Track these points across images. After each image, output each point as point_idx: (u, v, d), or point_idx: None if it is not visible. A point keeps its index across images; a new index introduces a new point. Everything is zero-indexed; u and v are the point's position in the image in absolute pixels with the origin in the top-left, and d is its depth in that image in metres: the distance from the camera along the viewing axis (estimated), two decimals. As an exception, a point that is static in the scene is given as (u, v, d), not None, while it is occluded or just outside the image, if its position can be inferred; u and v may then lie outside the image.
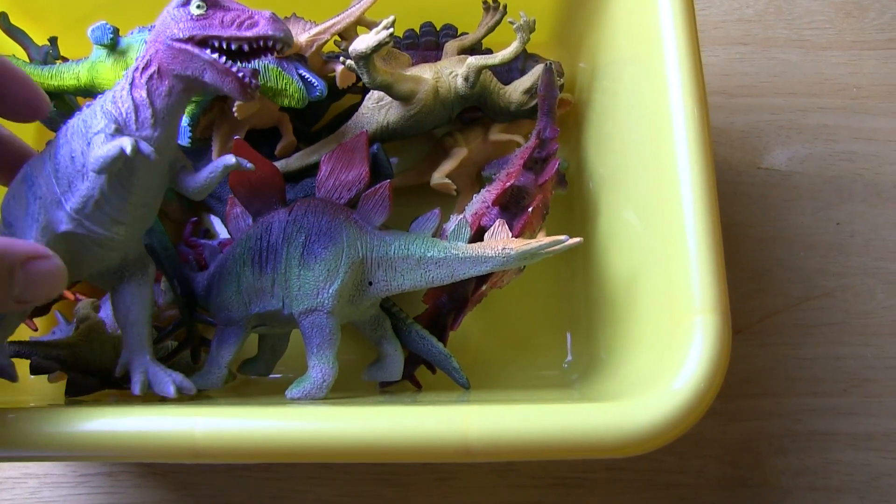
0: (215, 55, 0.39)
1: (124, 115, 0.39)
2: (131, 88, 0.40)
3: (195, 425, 0.37)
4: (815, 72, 0.64)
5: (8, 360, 0.44)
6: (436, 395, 0.51)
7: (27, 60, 0.55)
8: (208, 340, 0.50)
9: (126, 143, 0.37)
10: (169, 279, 0.49)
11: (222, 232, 0.57)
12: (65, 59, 0.56)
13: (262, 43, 0.39)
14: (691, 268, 0.39)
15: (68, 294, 0.53)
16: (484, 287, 0.47)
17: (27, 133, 0.58)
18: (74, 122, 0.41)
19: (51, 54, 0.55)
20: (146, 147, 0.38)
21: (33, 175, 0.41)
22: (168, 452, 0.38)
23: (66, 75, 0.51)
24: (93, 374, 0.48)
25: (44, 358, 0.47)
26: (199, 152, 0.54)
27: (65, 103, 0.54)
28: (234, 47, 0.39)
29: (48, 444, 0.37)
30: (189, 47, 0.39)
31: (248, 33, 0.39)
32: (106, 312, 0.51)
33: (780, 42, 0.65)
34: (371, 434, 0.37)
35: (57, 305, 0.54)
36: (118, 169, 0.39)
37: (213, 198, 0.55)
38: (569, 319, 0.56)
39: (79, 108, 0.53)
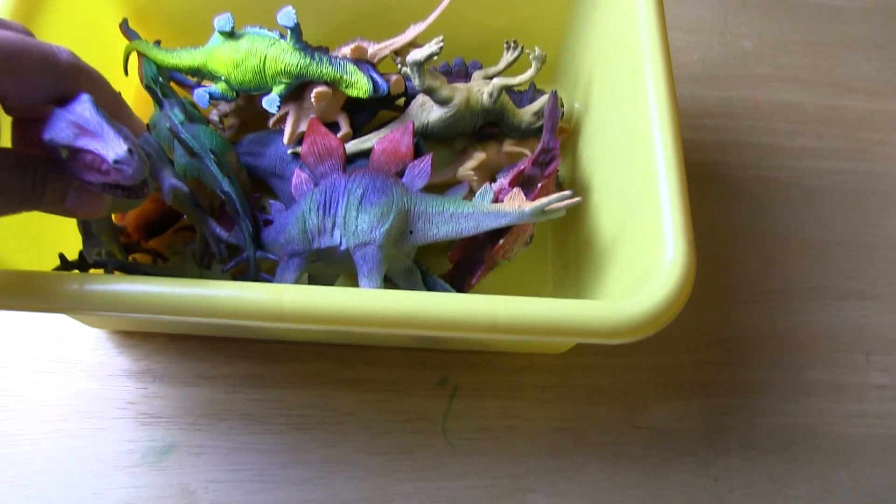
0: None
1: None
2: None
3: (284, 294, 0.48)
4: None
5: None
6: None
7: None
8: (265, 276, 0.60)
9: None
10: (240, 221, 0.60)
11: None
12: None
13: None
14: (663, 214, 0.51)
15: (145, 244, 0.64)
16: (501, 241, 0.59)
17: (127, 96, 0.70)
18: None
19: None
20: None
21: None
22: (258, 313, 0.48)
23: (184, 56, 0.63)
24: None
25: (143, 275, 0.58)
26: (270, 140, 0.66)
27: (164, 75, 0.65)
28: None
29: (163, 303, 0.48)
30: None
31: None
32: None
33: None
34: (423, 307, 0.48)
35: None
36: None
37: (276, 177, 0.66)
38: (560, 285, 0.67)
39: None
